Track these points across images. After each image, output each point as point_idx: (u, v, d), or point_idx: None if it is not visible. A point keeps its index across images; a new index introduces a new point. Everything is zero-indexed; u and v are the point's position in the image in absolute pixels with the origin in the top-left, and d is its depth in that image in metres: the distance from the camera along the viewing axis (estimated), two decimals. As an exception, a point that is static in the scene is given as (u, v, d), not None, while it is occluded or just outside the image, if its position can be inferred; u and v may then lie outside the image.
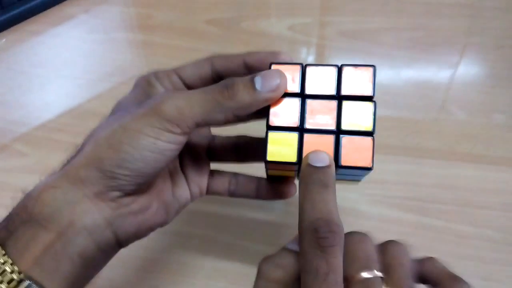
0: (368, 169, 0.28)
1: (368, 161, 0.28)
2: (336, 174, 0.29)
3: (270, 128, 0.30)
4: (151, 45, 0.70)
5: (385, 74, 0.61)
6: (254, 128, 0.36)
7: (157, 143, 0.29)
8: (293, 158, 0.29)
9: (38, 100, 0.63)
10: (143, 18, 0.74)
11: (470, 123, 0.54)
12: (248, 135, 0.38)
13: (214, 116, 0.30)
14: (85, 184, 0.30)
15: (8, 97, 0.63)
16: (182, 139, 0.31)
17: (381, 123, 0.54)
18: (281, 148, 0.30)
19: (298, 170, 0.31)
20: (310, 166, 0.28)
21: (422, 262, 0.29)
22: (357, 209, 0.47)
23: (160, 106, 0.30)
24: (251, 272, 0.43)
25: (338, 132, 0.29)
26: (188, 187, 0.37)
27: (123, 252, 0.45)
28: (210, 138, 0.39)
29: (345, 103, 0.30)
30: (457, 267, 0.42)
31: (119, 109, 0.34)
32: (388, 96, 0.58)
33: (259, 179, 0.37)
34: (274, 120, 0.30)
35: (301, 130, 0.30)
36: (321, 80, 0.30)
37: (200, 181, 0.37)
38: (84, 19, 0.75)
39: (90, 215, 0.30)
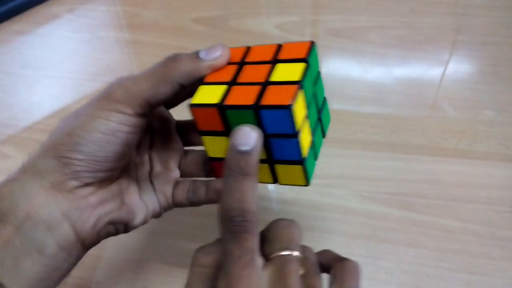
0: (287, 107, 0.27)
1: (287, 100, 0.27)
2: (268, 137, 0.29)
3: (203, 83, 0.31)
4: (138, 44, 0.69)
5: (374, 72, 0.62)
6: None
7: (108, 124, 0.30)
8: (215, 101, 0.29)
9: (24, 101, 0.62)
10: (130, 16, 0.74)
11: (456, 119, 0.55)
12: None
13: (161, 89, 0.31)
14: (42, 174, 0.30)
15: (-7, 98, 0.63)
16: (135, 120, 0.31)
17: (368, 120, 0.55)
18: (208, 95, 0.30)
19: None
20: (233, 150, 0.27)
21: (318, 254, 0.32)
22: (344, 205, 0.48)
23: (109, 90, 0.31)
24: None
25: (265, 83, 0.29)
26: (156, 196, 0.37)
27: (110, 255, 0.46)
28: (182, 151, 0.39)
29: (278, 65, 0.30)
30: (444, 261, 0.43)
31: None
32: (376, 94, 0.58)
33: (208, 181, 0.37)
34: (209, 78, 0.31)
35: (230, 83, 0.30)
36: (262, 53, 0.32)
37: (166, 191, 0.37)
38: (69, 18, 0.74)
39: (47, 207, 0.29)
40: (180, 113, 0.37)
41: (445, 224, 0.46)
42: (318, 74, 0.32)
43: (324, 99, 0.34)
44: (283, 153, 0.30)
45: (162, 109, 0.37)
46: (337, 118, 0.56)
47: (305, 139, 0.30)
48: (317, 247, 0.45)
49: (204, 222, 0.47)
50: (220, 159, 0.32)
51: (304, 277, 0.28)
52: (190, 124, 0.38)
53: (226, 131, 0.30)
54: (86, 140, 0.30)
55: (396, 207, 0.47)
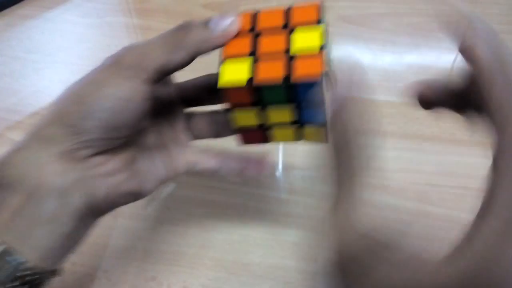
0: (317, 78, 0.28)
1: (317, 71, 0.28)
2: (298, 106, 0.31)
3: (223, 59, 0.31)
4: (147, 30, 0.68)
5: (386, 60, 0.61)
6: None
7: (119, 92, 0.29)
8: (244, 81, 0.29)
9: (32, 87, 0.62)
10: (138, 1, 0.73)
11: (470, 109, 0.54)
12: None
13: (173, 57, 0.30)
14: (51, 142, 0.29)
15: (0, 83, 0.62)
16: (145, 88, 0.30)
17: (381, 109, 0.54)
18: (234, 73, 0.30)
19: (259, 109, 0.31)
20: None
21: None
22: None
23: (119, 56, 0.30)
24: (251, 262, 0.43)
25: (289, 54, 0.30)
26: (168, 163, 0.36)
27: (118, 242, 0.45)
28: (183, 114, 0.39)
29: (294, 31, 0.31)
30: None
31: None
32: (389, 83, 0.57)
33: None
34: (227, 52, 0.31)
35: (252, 58, 0.30)
36: (272, 18, 0.32)
37: (177, 155, 0.37)
38: (78, 2, 0.73)
39: (58, 175, 0.29)
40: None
41: (459, 217, 0.45)
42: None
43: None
44: (312, 117, 0.31)
45: None
46: (349, 107, 0.55)
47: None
48: (328, 240, 0.45)
49: (213, 211, 0.47)
50: (246, 129, 0.34)
51: None
52: (191, 86, 0.38)
53: (256, 104, 0.31)
54: (96, 109, 0.29)
55: (409, 199, 0.46)
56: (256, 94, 0.30)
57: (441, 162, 0.49)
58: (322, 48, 0.29)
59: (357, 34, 0.64)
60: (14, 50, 0.67)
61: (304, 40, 0.30)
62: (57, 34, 0.69)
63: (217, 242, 0.45)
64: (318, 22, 0.31)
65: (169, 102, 0.37)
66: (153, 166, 0.35)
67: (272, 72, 0.29)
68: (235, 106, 0.32)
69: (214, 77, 0.37)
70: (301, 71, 0.29)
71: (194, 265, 0.44)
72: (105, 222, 0.46)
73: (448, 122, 0.52)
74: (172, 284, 0.43)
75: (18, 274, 0.27)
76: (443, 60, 0.60)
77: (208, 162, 0.37)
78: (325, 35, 0.30)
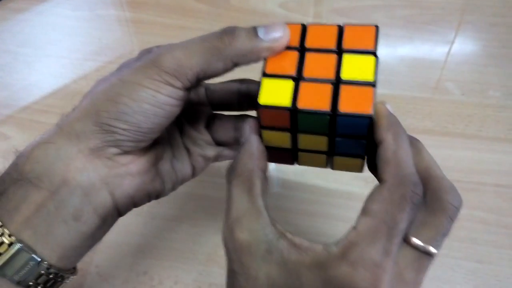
0: (368, 117, 0.26)
1: (368, 108, 0.26)
2: (336, 137, 0.29)
3: (265, 75, 0.29)
4: (139, 23, 0.68)
5: (379, 53, 0.60)
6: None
7: (157, 96, 0.28)
8: (287, 103, 0.28)
9: (23, 81, 0.61)
10: (130, -6, 0.73)
11: (463, 102, 0.54)
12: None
13: (214, 65, 0.29)
14: (80, 138, 0.28)
15: (-8, 77, 0.62)
16: (182, 94, 0.29)
17: (373, 103, 0.53)
18: (275, 93, 0.28)
19: (293, 134, 0.30)
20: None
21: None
22: (349, 190, 0.47)
23: (158, 58, 0.29)
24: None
25: (337, 81, 0.28)
26: (190, 161, 0.36)
27: (110, 238, 0.45)
28: (210, 116, 0.38)
29: (345, 56, 0.29)
30: (449, 249, 0.42)
31: (120, 68, 0.32)
32: (382, 76, 0.57)
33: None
34: (270, 68, 0.29)
35: (297, 78, 0.29)
36: (322, 37, 0.30)
37: (202, 152, 0.36)
38: (69, -5, 0.73)
39: (85, 172, 0.28)
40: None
41: (451, 211, 0.45)
42: None
43: None
44: (348, 149, 0.30)
45: None
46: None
47: None
48: (319, 233, 0.45)
49: (205, 206, 0.47)
50: (273, 148, 0.32)
51: None
52: (220, 89, 0.37)
53: (291, 128, 0.29)
54: (133, 110, 0.28)
55: (401, 193, 0.46)
56: (294, 119, 0.28)
57: (433, 155, 0.49)
58: (374, 84, 0.27)
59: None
60: (6, 44, 0.66)
61: (356, 68, 0.28)
62: (49, 28, 0.68)
63: (209, 237, 0.45)
64: (373, 50, 0.29)
65: (197, 103, 0.37)
66: (175, 166, 0.35)
67: (318, 98, 0.27)
68: (268, 126, 0.30)
69: (247, 85, 0.36)
70: (349, 104, 0.27)
71: (186, 260, 0.44)
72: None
73: (441, 115, 0.52)
74: (164, 278, 0.42)
75: (34, 274, 0.27)
76: (436, 53, 0.60)
77: (228, 154, 0.37)
78: (377, 67, 0.28)
